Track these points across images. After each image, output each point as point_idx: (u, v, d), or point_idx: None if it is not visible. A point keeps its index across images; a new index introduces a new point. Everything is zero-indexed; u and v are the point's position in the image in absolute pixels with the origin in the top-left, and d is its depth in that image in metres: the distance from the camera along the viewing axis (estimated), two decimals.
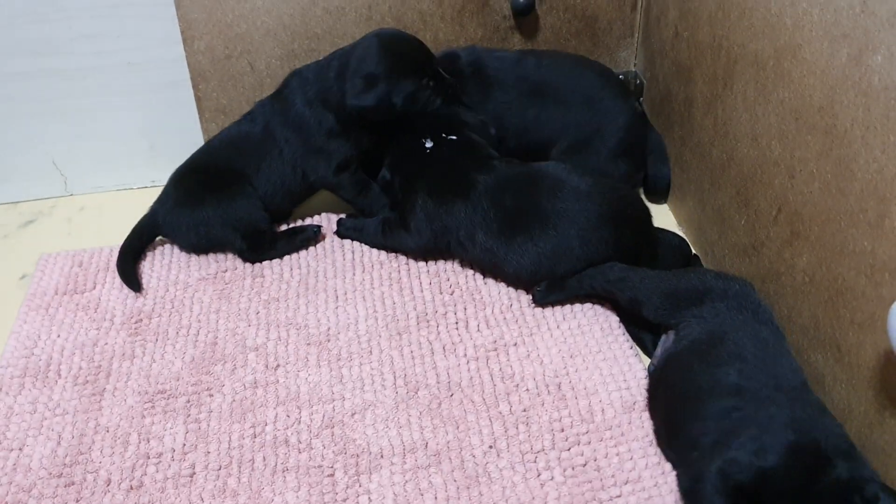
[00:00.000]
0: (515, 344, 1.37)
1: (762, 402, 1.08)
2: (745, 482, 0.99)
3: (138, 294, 1.46)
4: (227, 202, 1.50)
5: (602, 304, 1.42)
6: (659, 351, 1.28)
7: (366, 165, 1.56)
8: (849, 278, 1.08)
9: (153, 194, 1.72)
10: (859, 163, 1.04)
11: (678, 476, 1.11)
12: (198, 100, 1.66)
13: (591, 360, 1.33)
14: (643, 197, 1.64)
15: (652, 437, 1.21)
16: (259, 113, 1.55)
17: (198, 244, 1.53)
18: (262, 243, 1.52)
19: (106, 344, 1.37)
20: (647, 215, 1.45)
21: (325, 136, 1.51)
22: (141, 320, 1.41)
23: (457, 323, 1.41)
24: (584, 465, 1.18)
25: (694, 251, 1.54)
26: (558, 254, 1.38)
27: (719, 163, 1.42)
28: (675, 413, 1.16)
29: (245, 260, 1.52)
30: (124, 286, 1.48)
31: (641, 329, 1.37)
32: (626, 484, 1.15)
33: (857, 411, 1.10)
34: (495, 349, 1.36)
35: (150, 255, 1.55)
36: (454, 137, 1.49)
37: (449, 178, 1.45)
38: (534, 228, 1.38)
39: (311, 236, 1.55)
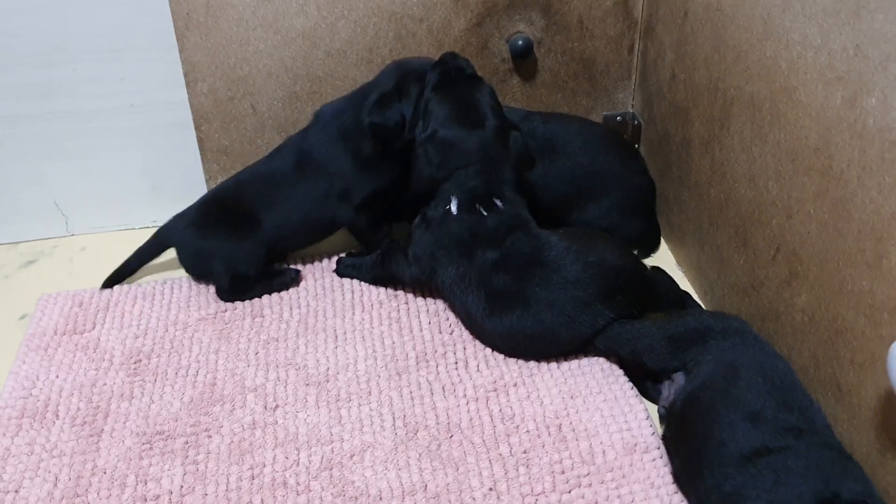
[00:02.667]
0: (515, 384, 1.36)
1: (783, 450, 1.06)
2: None
3: (137, 335, 1.46)
4: (233, 242, 1.52)
5: None
6: (666, 392, 1.27)
7: (385, 204, 1.57)
8: (848, 318, 1.09)
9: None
10: (856, 203, 1.05)
11: None
12: (200, 141, 1.68)
13: (592, 401, 1.33)
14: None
15: (653, 479, 1.20)
16: (288, 148, 1.56)
17: (191, 266, 1.57)
18: (243, 286, 1.53)
19: (104, 384, 1.37)
20: (643, 279, 1.44)
21: (349, 171, 1.52)
22: (140, 360, 1.41)
23: (456, 363, 1.41)
24: None
25: (681, 286, 1.54)
26: (542, 338, 1.38)
27: (717, 203, 1.43)
28: (696, 456, 1.13)
29: (220, 297, 1.54)
30: (123, 326, 1.48)
31: (641, 375, 1.37)
32: None
33: (859, 452, 1.09)
34: (495, 389, 1.35)
35: (150, 294, 1.55)
36: (500, 204, 1.42)
37: (452, 240, 1.42)
38: (517, 311, 1.37)
39: (289, 281, 1.56)
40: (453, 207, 1.42)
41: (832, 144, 1.09)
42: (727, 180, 1.38)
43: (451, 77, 1.48)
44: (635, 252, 1.64)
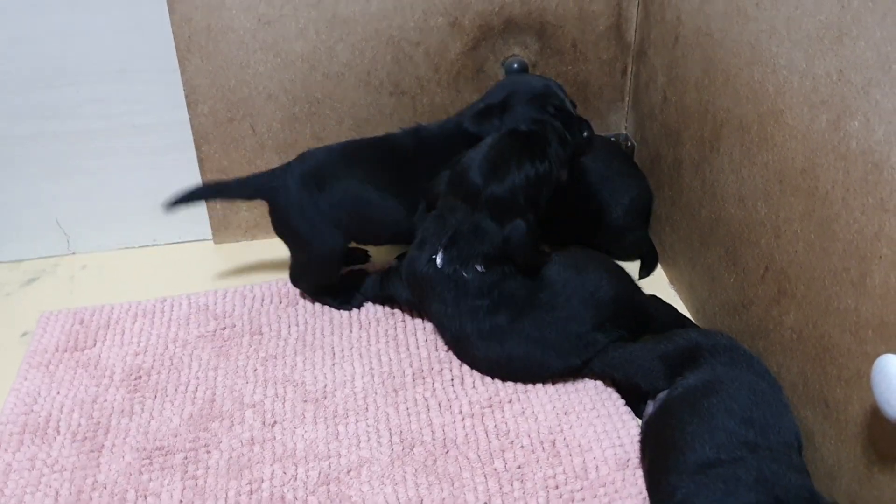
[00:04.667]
0: (510, 401, 1.38)
1: (735, 462, 1.10)
2: None
3: (137, 352, 1.48)
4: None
5: None
6: (650, 409, 1.30)
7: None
8: (834, 335, 1.11)
9: (155, 253, 1.77)
10: (840, 223, 1.08)
11: None
12: (200, 161, 1.71)
13: (586, 417, 1.35)
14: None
15: (645, 494, 1.22)
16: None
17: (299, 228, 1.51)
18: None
19: (105, 401, 1.38)
20: (637, 304, 1.46)
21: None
22: (140, 377, 1.43)
23: (452, 380, 1.43)
24: None
25: (674, 304, 1.57)
26: (532, 369, 1.40)
27: (708, 223, 1.46)
28: (660, 461, 1.18)
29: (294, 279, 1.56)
30: (124, 344, 1.50)
31: (635, 397, 1.39)
32: None
33: (846, 468, 1.11)
34: (490, 406, 1.37)
35: (150, 312, 1.57)
36: (480, 269, 1.37)
37: (440, 286, 1.41)
38: (507, 346, 1.38)
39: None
40: (439, 261, 1.40)
41: (818, 166, 1.12)
42: (717, 200, 1.41)
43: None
44: (639, 263, 1.69)
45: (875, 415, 1.04)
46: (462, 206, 1.38)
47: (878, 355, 0.96)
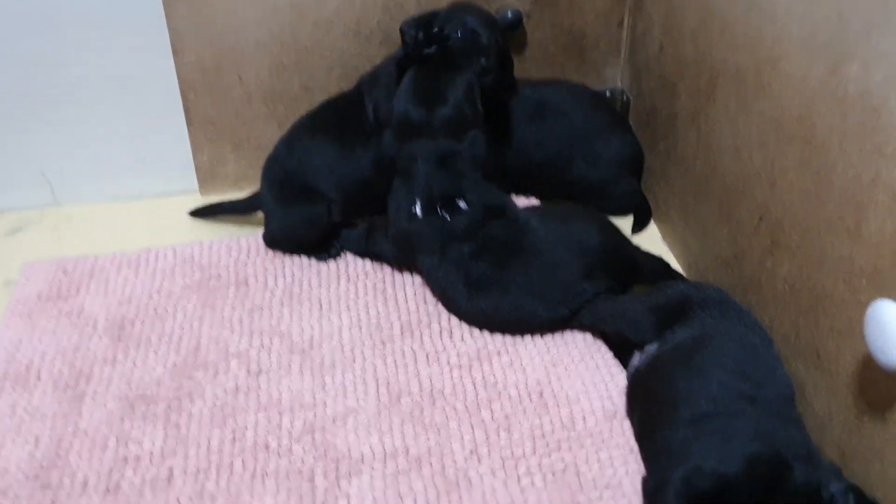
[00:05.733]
0: (499, 353, 1.37)
1: (733, 414, 1.09)
2: (707, 490, 1.00)
3: (121, 302, 1.46)
4: None
5: None
6: (636, 360, 1.28)
7: None
8: (828, 285, 1.09)
9: (141, 205, 1.74)
10: (836, 171, 1.06)
11: (643, 479, 1.12)
12: (187, 111, 1.67)
13: (574, 370, 1.33)
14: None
15: (633, 444, 1.21)
16: None
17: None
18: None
19: (88, 349, 1.37)
20: (625, 254, 1.44)
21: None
22: (124, 327, 1.41)
23: (441, 332, 1.41)
24: (564, 470, 1.17)
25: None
26: (521, 321, 1.38)
27: (702, 176, 1.43)
28: (650, 417, 1.17)
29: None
30: (108, 293, 1.47)
31: (624, 349, 1.37)
32: (606, 489, 1.14)
33: (837, 419, 1.10)
34: (478, 358, 1.36)
35: (135, 263, 1.55)
36: (463, 206, 1.38)
37: (424, 237, 1.40)
38: (495, 297, 1.37)
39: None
40: (418, 210, 1.39)
41: (815, 112, 1.09)
42: (712, 152, 1.39)
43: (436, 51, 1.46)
44: (632, 218, 1.67)
45: (867, 364, 1.03)
46: (418, 144, 1.39)
47: (871, 304, 0.94)
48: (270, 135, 1.62)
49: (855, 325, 1.04)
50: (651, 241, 1.62)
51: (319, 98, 1.61)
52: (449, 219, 1.38)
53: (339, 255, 1.55)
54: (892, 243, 0.96)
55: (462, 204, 1.39)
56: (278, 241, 1.56)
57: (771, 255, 1.23)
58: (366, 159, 1.51)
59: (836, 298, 1.07)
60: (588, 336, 1.40)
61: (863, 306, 1.00)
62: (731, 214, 1.34)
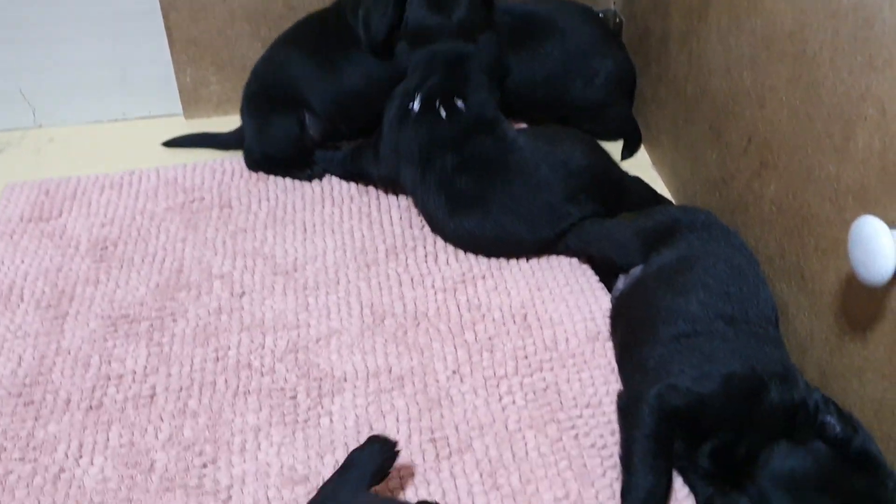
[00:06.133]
0: (483, 277, 1.36)
1: (711, 333, 1.08)
2: (680, 407, 1.00)
3: (104, 223, 1.45)
4: None
5: None
6: (621, 283, 1.28)
7: None
8: (814, 205, 1.08)
9: (124, 128, 1.71)
10: (827, 86, 1.03)
11: (619, 394, 1.12)
12: (168, 30, 1.63)
13: (558, 293, 1.33)
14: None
15: (614, 365, 1.21)
16: None
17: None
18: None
19: (70, 270, 1.36)
20: (612, 177, 1.42)
21: None
22: (106, 248, 1.40)
23: (426, 256, 1.40)
24: (546, 389, 1.18)
25: (656, 187, 1.53)
26: (504, 241, 1.36)
27: (693, 97, 1.40)
28: (630, 336, 1.16)
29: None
30: (90, 215, 1.46)
31: (609, 273, 1.36)
32: (586, 408, 1.15)
33: (818, 338, 1.10)
34: (463, 281, 1.35)
35: (118, 184, 1.53)
36: (461, 105, 1.38)
37: (413, 143, 1.39)
38: (477, 215, 1.35)
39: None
40: (415, 106, 1.39)
41: (806, 27, 1.06)
42: (703, 73, 1.36)
43: None
44: (622, 144, 1.64)
45: (849, 283, 1.02)
46: (431, 48, 1.40)
47: (855, 220, 0.93)
48: (254, 55, 1.59)
49: (839, 244, 1.03)
50: (640, 167, 1.60)
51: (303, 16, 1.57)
52: (444, 116, 1.37)
53: (319, 176, 1.53)
54: (879, 159, 0.94)
55: (460, 104, 1.38)
56: (256, 158, 1.54)
57: (759, 176, 1.21)
58: (347, 74, 1.49)
59: (821, 217, 1.06)
60: (574, 261, 1.39)
61: (847, 224, 0.98)
62: (721, 136, 1.32)
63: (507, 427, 1.13)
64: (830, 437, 0.92)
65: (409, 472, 1.07)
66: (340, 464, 1.01)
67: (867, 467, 0.91)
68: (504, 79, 1.51)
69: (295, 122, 1.50)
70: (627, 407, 1.06)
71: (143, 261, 1.37)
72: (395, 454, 1.02)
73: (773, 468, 0.94)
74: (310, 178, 1.53)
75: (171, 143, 1.65)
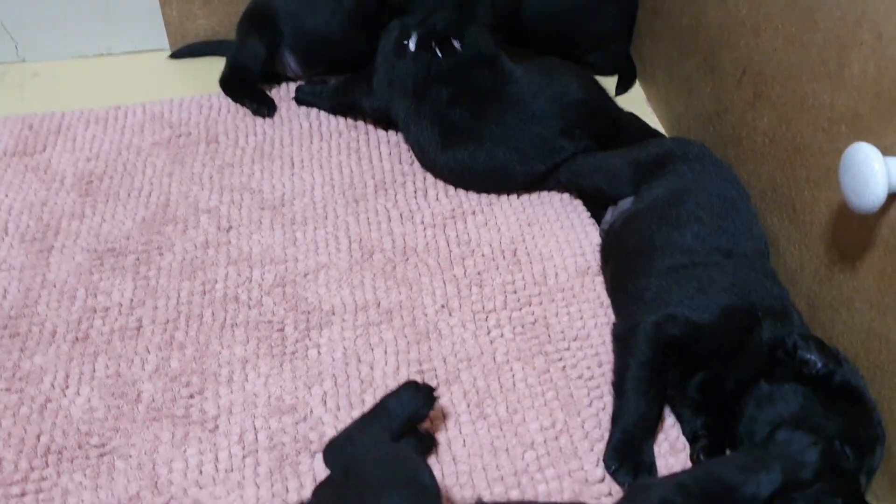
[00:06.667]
0: (473, 212, 1.35)
1: (709, 265, 1.08)
2: (677, 336, 1.00)
3: (89, 157, 1.43)
4: None
5: None
6: (609, 216, 1.26)
7: None
8: (807, 135, 1.06)
9: (109, 63, 1.68)
10: (823, 12, 1.01)
11: (614, 324, 1.12)
12: None
13: (549, 228, 1.32)
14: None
15: (603, 298, 1.20)
16: None
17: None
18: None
19: (55, 204, 1.34)
20: (607, 112, 1.40)
21: None
22: (92, 182, 1.38)
23: (415, 192, 1.39)
24: (534, 323, 1.17)
25: (650, 122, 1.51)
26: (495, 174, 1.34)
27: (688, 29, 1.38)
28: (624, 268, 1.16)
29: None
30: (75, 149, 1.44)
31: (599, 205, 1.35)
32: (574, 340, 1.15)
33: (808, 269, 1.09)
34: (453, 217, 1.34)
35: (103, 119, 1.50)
36: (457, 46, 1.36)
37: (408, 76, 1.37)
38: (469, 147, 1.33)
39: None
40: (411, 44, 1.36)
41: None
42: (698, 4, 1.33)
43: None
44: (618, 78, 1.61)
45: (840, 213, 1.01)
46: None
47: (848, 147, 0.91)
48: None
49: (831, 174, 1.01)
50: (635, 102, 1.58)
51: None
52: (440, 56, 1.34)
53: (270, 114, 1.51)
54: (873, 85, 0.92)
55: (457, 44, 1.35)
56: (224, 75, 1.54)
57: (752, 108, 1.19)
58: (329, 11, 1.47)
59: (814, 147, 1.05)
60: (565, 196, 1.38)
61: (840, 153, 0.97)
62: (715, 69, 1.29)
63: (494, 359, 1.13)
64: (811, 375, 0.92)
65: None
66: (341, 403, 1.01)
67: (850, 400, 0.91)
68: (517, 12, 1.48)
69: (264, 48, 1.49)
70: (623, 335, 1.05)
71: (129, 195, 1.36)
72: (433, 401, 1.00)
73: (749, 408, 0.94)
74: (256, 113, 1.51)
75: (179, 55, 1.65)
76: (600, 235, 1.28)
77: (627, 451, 0.98)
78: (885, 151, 0.88)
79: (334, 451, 0.95)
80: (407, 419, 0.96)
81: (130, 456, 1.01)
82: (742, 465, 0.85)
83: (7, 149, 1.44)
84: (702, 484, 0.83)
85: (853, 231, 0.98)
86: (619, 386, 1.04)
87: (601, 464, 1.00)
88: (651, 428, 1.01)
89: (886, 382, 0.94)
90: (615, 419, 1.01)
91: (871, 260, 0.95)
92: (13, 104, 1.57)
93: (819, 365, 0.91)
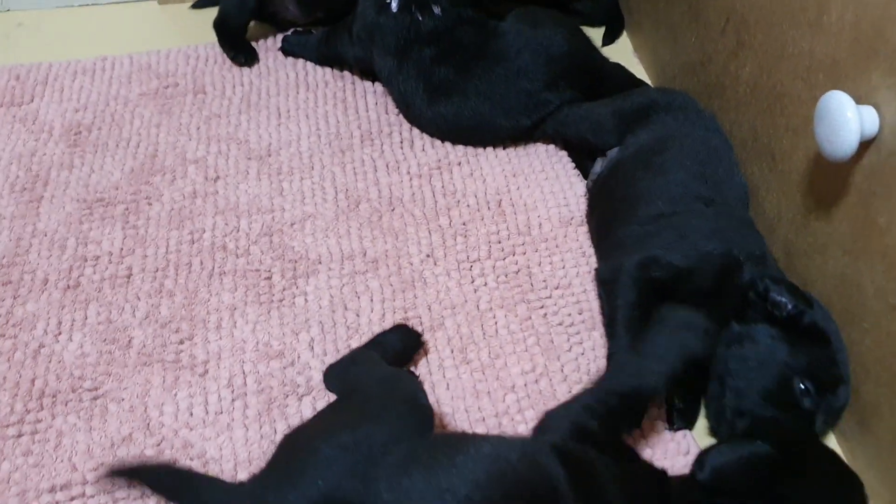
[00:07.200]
0: (459, 163, 1.36)
1: (690, 212, 1.09)
2: (660, 278, 1.02)
3: (77, 108, 1.43)
4: None
5: None
6: (598, 167, 1.28)
7: None
8: (786, 83, 1.07)
9: (96, 13, 1.67)
10: None
11: (597, 269, 1.14)
12: None
13: (534, 179, 1.33)
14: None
15: (585, 248, 1.23)
16: None
17: None
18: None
19: (44, 154, 1.35)
20: (592, 63, 1.41)
21: None
22: (80, 133, 1.39)
23: (401, 142, 1.40)
24: (517, 272, 1.20)
25: (636, 72, 1.52)
26: (480, 128, 1.35)
27: None
28: (609, 216, 1.17)
29: None
30: (63, 100, 1.44)
31: (585, 156, 1.36)
32: (556, 289, 1.17)
33: (785, 217, 1.11)
34: (439, 168, 1.35)
35: (90, 70, 1.50)
36: (437, 11, 1.35)
37: (391, 34, 1.36)
38: (455, 102, 1.34)
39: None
40: (394, 5, 1.35)
41: None
42: None
43: None
44: (605, 28, 1.61)
45: (816, 161, 1.03)
46: None
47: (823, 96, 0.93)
48: None
49: (809, 123, 1.01)
50: (622, 53, 1.58)
51: None
52: (420, 19, 1.34)
53: (248, 63, 1.52)
54: (851, 31, 0.93)
55: (436, 10, 1.35)
56: (216, 21, 1.53)
57: (735, 57, 1.20)
58: None
59: (793, 96, 1.06)
60: (550, 148, 1.39)
61: (817, 101, 0.99)
62: (699, 17, 1.29)
63: (478, 307, 1.16)
64: (781, 316, 0.95)
65: None
66: (328, 349, 1.05)
67: (816, 342, 0.94)
68: None
69: None
70: (608, 278, 1.08)
71: (117, 146, 1.37)
72: (419, 343, 1.09)
73: (719, 349, 0.97)
74: (234, 61, 1.51)
75: (200, 5, 1.65)
76: (587, 186, 1.30)
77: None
78: (861, 99, 0.89)
79: (335, 374, 1.02)
80: (397, 353, 1.04)
81: (123, 399, 1.04)
82: (635, 371, 0.90)
83: None
84: (605, 399, 0.88)
85: (828, 179, 1.00)
86: (610, 328, 1.06)
87: None
88: None
89: (857, 326, 0.96)
90: (609, 358, 1.04)
91: (844, 207, 0.97)
92: None
93: (789, 307, 0.94)
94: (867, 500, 0.86)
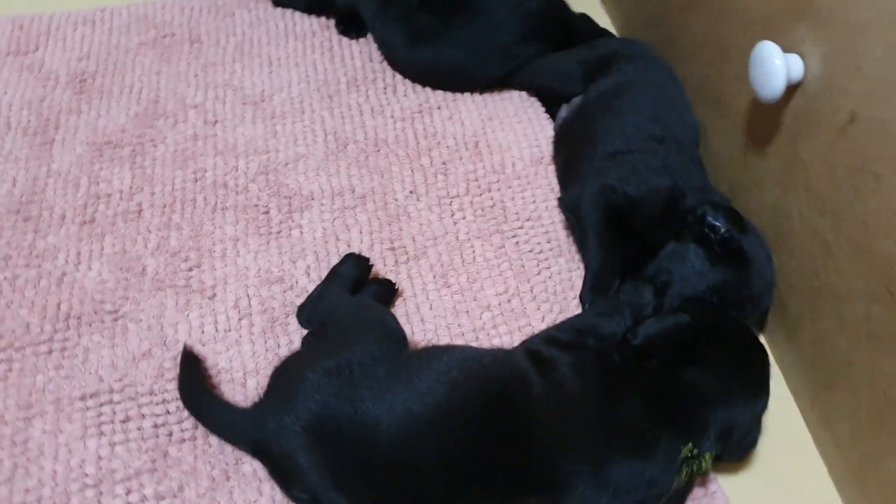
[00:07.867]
0: (439, 107, 1.48)
1: (644, 150, 1.23)
2: (616, 204, 1.16)
3: (80, 57, 1.53)
4: None
5: None
6: (564, 112, 1.40)
7: None
8: (730, 36, 1.20)
9: None
10: None
11: (559, 199, 1.27)
12: None
13: (508, 122, 1.46)
14: None
15: (554, 185, 1.36)
16: None
17: None
18: None
19: (52, 100, 1.45)
20: (563, 20, 1.52)
21: None
22: (85, 80, 1.48)
23: (385, 88, 1.51)
24: (493, 206, 1.33)
25: (603, 23, 1.63)
26: (456, 75, 1.47)
27: None
28: (572, 154, 1.31)
29: None
30: (66, 49, 1.53)
31: (554, 103, 1.48)
32: (527, 220, 1.30)
33: (729, 157, 1.24)
34: (420, 111, 1.47)
35: (90, 20, 1.59)
36: None
37: None
38: (434, 47, 1.45)
39: None
40: None
41: None
42: None
43: None
44: None
45: (755, 105, 1.16)
46: None
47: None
48: None
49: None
50: (590, 3, 1.69)
51: None
52: None
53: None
54: None
55: None
56: None
57: (688, 11, 1.32)
58: None
59: (736, 47, 1.18)
60: (523, 94, 1.51)
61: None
62: None
63: (457, 238, 1.29)
64: (714, 238, 1.08)
65: (373, 275, 1.23)
66: (323, 275, 1.19)
67: (737, 263, 1.08)
68: None
69: None
70: (570, 205, 1.22)
71: (121, 92, 1.47)
72: (369, 268, 1.20)
73: (656, 261, 1.11)
74: None
75: None
76: (554, 130, 1.42)
77: (599, 288, 1.14)
78: (789, 48, 1.02)
79: (307, 311, 1.14)
80: (353, 279, 1.16)
81: (140, 320, 1.16)
82: (599, 313, 1.05)
83: (0, 48, 1.53)
84: (566, 332, 1.03)
85: (763, 121, 1.13)
86: (582, 246, 1.22)
87: (545, 320, 1.18)
88: (616, 271, 1.15)
89: (786, 250, 1.11)
90: (587, 269, 1.18)
91: (776, 145, 1.10)
92: None
93: (722, 230, 1.08)
94: (768, 360, 1.01)
